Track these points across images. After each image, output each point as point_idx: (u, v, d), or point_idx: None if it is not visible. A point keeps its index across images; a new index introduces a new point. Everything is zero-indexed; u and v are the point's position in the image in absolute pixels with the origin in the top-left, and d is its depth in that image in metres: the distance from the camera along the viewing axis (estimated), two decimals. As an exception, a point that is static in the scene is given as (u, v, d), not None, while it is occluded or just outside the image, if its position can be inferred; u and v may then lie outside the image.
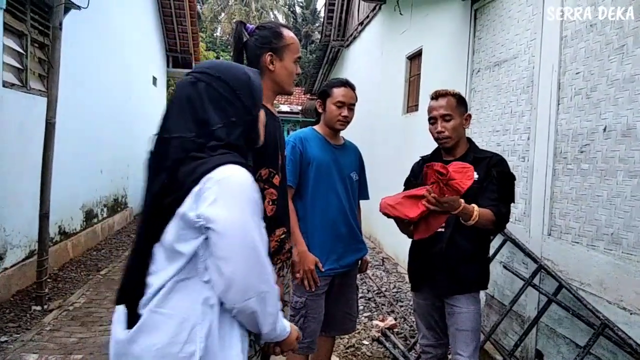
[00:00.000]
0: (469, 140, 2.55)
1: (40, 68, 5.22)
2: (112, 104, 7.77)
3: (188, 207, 1.24)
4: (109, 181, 7.83)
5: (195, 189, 1.25)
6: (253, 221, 1.28)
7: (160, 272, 1.29)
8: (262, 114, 1.52)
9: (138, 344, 1.27)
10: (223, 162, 1.29)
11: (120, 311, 1.36)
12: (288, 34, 2.04)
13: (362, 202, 2.90)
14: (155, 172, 1.35)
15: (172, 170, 1.30)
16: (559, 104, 3.03)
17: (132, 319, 1.30)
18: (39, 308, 4.37)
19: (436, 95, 2.48)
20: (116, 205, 8.24)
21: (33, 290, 4.61)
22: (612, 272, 2.52)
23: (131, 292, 1.32)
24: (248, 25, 2.07)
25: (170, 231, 1.27)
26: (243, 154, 1.40)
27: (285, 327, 1.42)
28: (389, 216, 2.27)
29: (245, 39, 2.03)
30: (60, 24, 4.54)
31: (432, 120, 2.47)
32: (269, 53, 1.99)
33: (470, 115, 2.50)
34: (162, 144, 1.37)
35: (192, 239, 1.26)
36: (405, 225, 2.31)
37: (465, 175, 2.12)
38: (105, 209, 7.62)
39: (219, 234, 1.22)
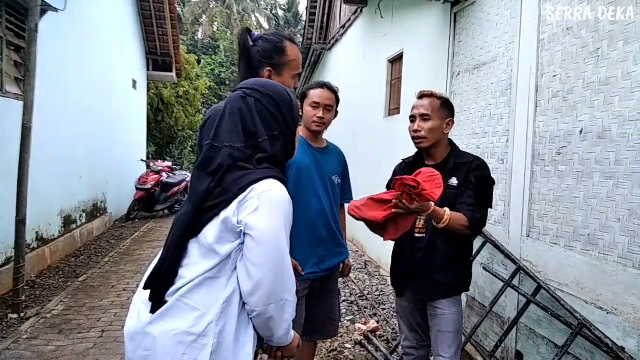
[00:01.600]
0: (452, 143, 2.54)
1: (16, 71, 5.13)
2: (91, 107, 7.66)
3: (231, 212, 1.38)
4: (88, 186, 7.71)
5: (240, 196, 1.39)
6: (285, 234, 1.41)
7: (192, 266, 1.42)
8: (298, 129, 1.65)
9: (158, 327, 1.39)
10: (267, 175, 1.43)
11: (144, 295, 1.47)
12: (291, 50, 2.03)
13: (346, 206, 2.90)
14: (202, 175, 1.46)
15: (219, 177, 1.43)
16: (537, 107, 3.07)
17: (157, 305, 1.41)
18: (15, 316, 4.28)
19: (421, 95, 2.48)
20: (95, 211, 8.12)
21: (10, 297, 4.51)
22: (589, 273, 2.56)
23: (162, 281, 1.43)
24: (253, 32, 2.07)
25: (211, 231, 1.40)
26: (282, 169, 1.55)
27: (291, 333, 1.54)
28: (357, 218, 2.27)
29: (249, 46, 2.03)
30: (36, 26, 4.47)
31: (412, 119, 2.48)
32: (268, 68, 2.00)
33: (452, 121, 2.48)
34: (213, 151, 1.48)
35: (229, 242, 1.39)
36: (374, 226, 2.32)
37: (434, 184, 2.12)
38: (84, 215, 7.51)
39: (256, 241, 1.35)
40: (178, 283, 1.41)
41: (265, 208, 1.37)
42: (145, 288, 1.48)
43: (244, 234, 1.37)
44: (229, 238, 1.39)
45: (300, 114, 2.71)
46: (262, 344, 1.58)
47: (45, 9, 5.01)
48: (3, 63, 4.82)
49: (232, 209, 1.38)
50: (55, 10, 5.24)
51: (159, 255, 1.53)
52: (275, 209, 1.39)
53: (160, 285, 1.43)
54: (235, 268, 1.41)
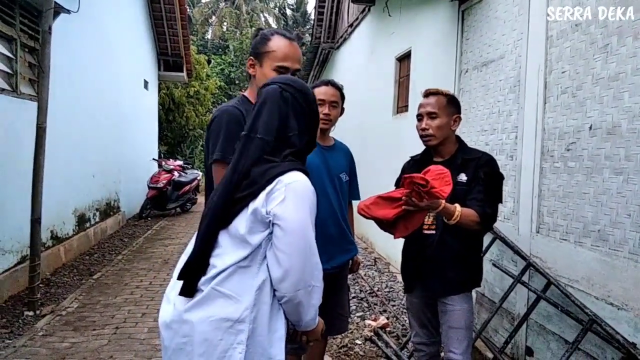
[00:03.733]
0: (459, 140, 2.55)
1: (31, 72, 5.20)
2: (103, 107, 7.75)
3: (260, 204, 1.44)
4: (101, 185, 7.80)
5: (268, 188, 1.45)
6: (311, 223, 1.48)
7: (224, 255, 1.48)
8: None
9: (196, 313, 1.45)
10: (292, 168, 1.50)
11: (179, 286, 1.52)
12: (276, 41, 2.03)
13: (354, 203, 2.92)
14: (235, 168, 1.53)
15: (248, 169, 1.50)
16: (545, 103, 3.07)
17: (190, 293, 1.49)
18: (31, 313, 4.36)
19: (427, 93, 2.49)
20: (108, 210, 8.21)
21: (25, 295, 4.60)
22: (600, 269, 2.56)
23: (195, 270, 1.50)
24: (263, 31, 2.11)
25: (241, 222, 1.46)
26: (304, 162, 1.62)
27: (316, 318, 1.60)
28: (366, 217, 2.29)
29: None
30: (50, 28, 4.53)
31: (419, 117, 2.49)
32: (250, 57, 2.05)
33: (459, 118, 2.50)
34: (247, 141, 1.56)
35: (259, 232, 1.45)
36: (384, 225, 2.34)
37: (443, 181, 2.14)
38: (97, 213, 7.60)
39: (284, 230, 1.41)
40: (211, 272, 1.48)
41: (291, 198, 1.43)
42: (179, 279, 1.54)
43: (273, 224, 1.43)
44: (259, 228, 1.45)
45: None
46: (287, 330, 1.63)
47: (59, 10, 5.07)
48: (18, 64, 4.90)
49: (261, 200, 1.45)
50: (68, 12, 5.31)
51: (188, 248, 1.60)
52: (301, 199, 1.45)
53: (193, 275, 1.50)
54: (265, 257, 1.47)
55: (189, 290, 1.49)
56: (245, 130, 1.58)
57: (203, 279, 1.48)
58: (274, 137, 1.54)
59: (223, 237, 1.50)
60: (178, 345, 1.47)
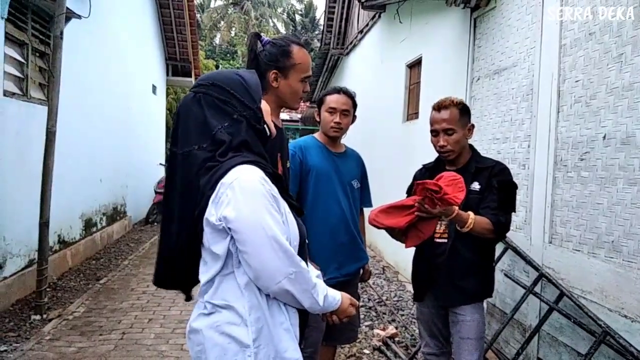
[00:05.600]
0: (472, 148, 2.53)
1: (41, 77, 5.23)
2: (111, 112, 7.78)
3: (209, 213, 1.40)
4: (108, 190, 7.82)
5: (212, 196, 1.40)
6: (266, 211, 1.39)
7: (208, 269, 1.47)
8: (264, 105, 1.60)
9: (202, 322, 1.47)
10: (232, 165, 1.41)
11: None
12: (298, 53, 2.02)
13: (365, 210, 2.90)
14: (181, 186, 1.49)
15: (196, 184, 1.43)
16: (558, 112, 3.04)
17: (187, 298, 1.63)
18: (38, 317, 4.36)
19: (439, 107, 2.44)
20: (115, 214, 8.23)
21: (32, 299, 4.60)
22: (613, 280, 2.52)
23: (183, 284, 1.61)
24: (263, 37, 2.08)
25: (205, 236, 1.44)
26: (253, 149, 1.50)
27: (334, 297, 1.57)
28: (378, 227, 2.27)
29: (258, 51, 2.04)
30: (62, 33, 4.56)
31: (434, 133, 2.45)
32: (274, 71, 2.01)
33: (473, 126, 2.48)
34: (174, 159, 1.50)
35: (222, 241, 1.41)
36: (396, 234, 2.31)
37: (456, 187, 2.11)
38: (104, 218, 7.61)
39: (238, 231, 1.37)
40: (201, 287, 1.49)
41: (235, 197, 1.37)
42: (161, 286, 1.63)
43: (228, 228, 1.38)
44: (219, 237, 1.41)
45: (318, 119, 2.73)
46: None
47: (70, 16, 5.11)
48: (28, 69, 4.93)
49: (210, 210, 1.40)
50: (79, 17, 5.35)
51: None
52: (249, 194, 1.38)
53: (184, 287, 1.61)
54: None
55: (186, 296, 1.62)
56: (169, 146, 1.54)
57: (200, 290, 1.51)
58: (205, 144, 1.45)
59: (204, 252, 1.48)
60: (196, 354, 1.48)
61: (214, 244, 1.42)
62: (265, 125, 1.57)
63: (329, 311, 1.60)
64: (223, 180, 1.39)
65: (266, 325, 1.44)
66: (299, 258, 1.44)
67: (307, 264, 1.53)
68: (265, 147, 1.61)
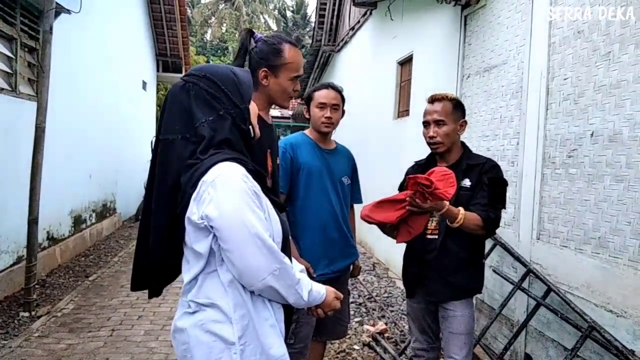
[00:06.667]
0: (464, 145, 2.55)
1: (30, 72, 5.18)
2: (101, 108, 7.72)
3: (191, 212, 1.39)
4: (98, 186, 7.77)
5: (194, 194, 1.38)
6: (248, 208, 1.38)
7: (190, 268, 1.46)
8: (253, 106, 1.58)
9: (186, 321, 1.46)
10: (213, 162, 1.39)
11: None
12: (289, 52, 2.02)
13: (355, 206, 2.91)
14: (160, 173, 1.47)
15: (175, 177, 1.43)
16: (547, 110, 3.07)
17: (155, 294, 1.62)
18: (27, 314, 4.33)
19: (432, 100, 2.48)
20: (105, 211, 8.18)
21: (21, 296, 4.57)
22: (599, 276, 2.55)
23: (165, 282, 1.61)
24: (256, 34, 2.08)
25: (187, 235, 1.43)
26: (235, 148, 1.48)
27: (319, 291, 1.58)
28: (370, 223, 2.28)
29: (250, 47, 2.04)
30: (51, 28, 4.52)
31: (426, 124, 2.48)
32: (265, 69, 2.01)
33: (465, 122, 2.50)
34: (159, 149, 1.48)
35: (204, 239, 1.40)
36: (387, 229, 2.32)
37: (447, 182, 2.13)
38: (94, 215, 7.57)
39: (220, 229, 1.35)
40: (185, 286, 1.48)
41: (217, 195, 1.35)
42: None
43: (210, 226, 1.36)
44: (201, 236, 1.40)
45: (307, 116, 2.74)
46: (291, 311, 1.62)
47: (59, 11, 5.06)
48: (17, 64, 4.88)
49: (192, 208, 1.38)
50: (69, 12, 5.30)
51: None
52: (230, 191, 1.36)
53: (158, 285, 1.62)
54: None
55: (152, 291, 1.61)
56: (155, 134, 1.52)
57: (183, 289, 1.49)
58: (183, 134, 1.44)
59: (186, 251, 1.47)
60: (182, 353, 1.47)
61: (196, 242, 1.40)
62: (250, 127, 1.54)
63: (314, 305, 1.60)
64: (204, 178, 1.37)
65: (251, 322, 1.43)
66: (282, 254, 1.43)
67: (290, 260, 1.52)
68: (252, 145, 1.60)
